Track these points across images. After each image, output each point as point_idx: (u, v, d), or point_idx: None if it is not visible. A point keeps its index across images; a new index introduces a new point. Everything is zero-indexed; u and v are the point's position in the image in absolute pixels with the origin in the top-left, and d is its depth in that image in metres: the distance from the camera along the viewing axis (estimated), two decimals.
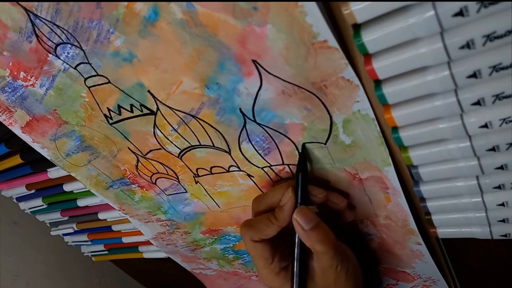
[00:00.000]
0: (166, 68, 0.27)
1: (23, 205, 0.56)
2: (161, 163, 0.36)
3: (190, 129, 0.30)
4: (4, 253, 0.61)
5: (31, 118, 0.36)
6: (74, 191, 0.48)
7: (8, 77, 0.32)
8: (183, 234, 0.45)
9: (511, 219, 0.27)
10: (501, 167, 0.24)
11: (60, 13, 0.26)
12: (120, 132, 0.34)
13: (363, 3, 0.19)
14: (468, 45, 0.19)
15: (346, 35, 0.22)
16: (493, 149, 0.23)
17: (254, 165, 0.32)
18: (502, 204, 0.26)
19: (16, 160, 0.45)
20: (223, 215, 0.40)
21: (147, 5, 0.24)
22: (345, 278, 0.29)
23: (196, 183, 0.36)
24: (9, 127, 0.37)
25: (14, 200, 0.56)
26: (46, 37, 0.28)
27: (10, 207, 0.60)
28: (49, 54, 0.29)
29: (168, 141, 0.33)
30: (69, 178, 0.45)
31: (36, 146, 0.39)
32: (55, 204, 0.54)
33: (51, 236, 0.60)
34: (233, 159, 0.32)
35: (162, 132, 0.32)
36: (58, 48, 0.28)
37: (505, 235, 0.28)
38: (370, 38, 0.20)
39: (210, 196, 0.37)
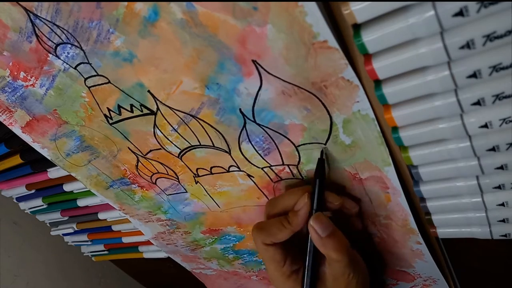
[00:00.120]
0: (166, 68, 0.27)
1: (23, 205, 0.56)
2: (161, 163, 0.36)
3: (190, 129, 0.30)
4: (4, 253, 0.61)
5: (31, 118, 0.36)
6: (74, 191, 0.48)
7: (8, 77, 0.32)
8: (183, 234, 0.45)
9: (511, 219, 0.27)
10: (501, 167, 0.24)
11: (60, 13, 0.26)
12: (120, 132, 0.34)
13: (363, 3, 0.19)
14: (468, 45, 0.19)
15: (346, 35, 0.22)
16: (493, 149, 0.23)
17: (254, 165, 0.32)
18: (502, 204, 0.26)
19: (16, 160, 0.45)
20: (223, 215, 0.40)
21: (147, 5, 0.24)
22: (355, 286, 0.29)
23: (196, 183, 0.36)
24: (9, 127, 0.37)
25: (14, 200, 0.56)
26: (46, 37, 0.28)
27: (10, 207, 0.60)
28: (49, 54, 0.29)
29: (168, 141, 0.33)
30: (69, 178, 0.45)
31: (36, 146, 0.39)
32: (55, 204, 0.54)
33: (51, 236, 0.60)
34: (233, 159, 0.32)
35: (162, 132, 0.32)
36: (58, 48, 0.28)
37: (505, 235, 0.28)
38: (370, 38, 0.20)
39: (210, 196, 0.37)
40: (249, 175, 0.33)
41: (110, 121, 0.33)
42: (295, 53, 0.22)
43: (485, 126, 0.22)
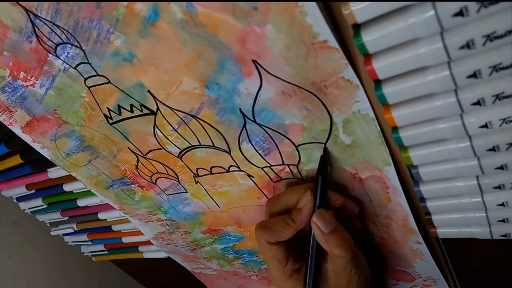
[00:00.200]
0: (166, 68, 0.27)
1: (23, 205, 0.56)
2: (161, 163, 0.36)
3: (190, 129, 0.30)
4: (4, 253, 0.61)
5: (31, 118, 0.36)
6: (74, 191, 0.48)
7: (8, 77, 0.32)
8: (183, 234, 0.45)
9: (511, 219, 0.27)
10: (501, 167, 0.24)
11: (60, 13, 0.26)
12: (120, 132, 0.34)
13: (363, 3, 0.19)
14: (468, 45, 0.19)
15: (346, 35, 0.22)
16: (493, 149, 0.23)
17: (254, 165, 0.32)
18: (502, 204, 0.26)
19: (16, 160, 0.45)
20: (223, 215, 0.40)
21: (147, 5, 0.24)
22: (357, 282, 0.29)
23: (196, 183, 0.36)
24: (9, 127, 0.37)
25: (14, 200, 0.56)
26: (46, 37, 0.28)
27: (10, 207, 0.60)
28: (49, 54, 0.29)
29: (168, 141, 0.33)
30: (69, 178, 0.45)
31: (36, 146, 0.39)
32: (55, 204, 0.54)
33: (51, 236, 0.60)
34: (233, 159, 0.32)
35: (162, 132, 0.32)
36: (58, 48, 0.28)
37: (505, 235, 0.28)
38: (370, 38, 0.20)
39: (210, 196, 0.37)
40: (249, 175, 0.33)
41: (110, 121, 0.33)
42: (295, 53, 0.22)
43: (485, 126, 0.22)
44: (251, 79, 0.25)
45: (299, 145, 0.28)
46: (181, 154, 0.33)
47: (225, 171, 0.34)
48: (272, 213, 0.30)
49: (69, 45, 0.28)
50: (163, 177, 0.37)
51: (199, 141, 0.31)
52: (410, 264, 0.35)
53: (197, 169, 0.35)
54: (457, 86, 0.21)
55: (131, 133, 0.33)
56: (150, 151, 0.34)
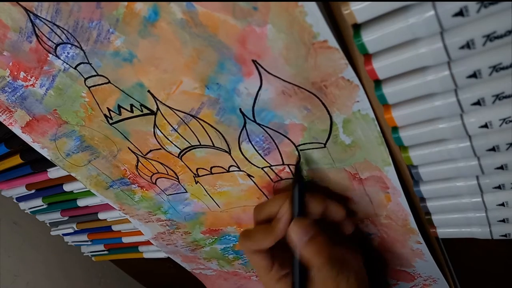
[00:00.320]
0: (166, 68, 0.27)
1: (23, 205, 0.56)
2: (161, 163, 0.36)
3: (190, 129, 0.30)
4: (4, 253, 0.61)
5: (31, 118, 0.36)
6: (74, 191, 0.48)
7: (8, 77, 0.32)
8: (183, 234, 0.45)
9: (511, 219, 0.27)
10: (501, 167, 0.24)
11: (60, 13, 0.26)
12: (120, 132, 0.34)
13: (363, 3, 0.19)
14: (468, 45, 0.19)
15: (346, 35, 0.22)
16: (493, 149, 0.23)
17: (254, 165, 0.32)
18: (502, 204, 0.26)
19: (16, 160, 0.45)
20: (223, 215, 0.40)
21: (147, 5, 0.24)
22: (346, 285, 0.29)
23: (196, 183, 0.36)
24: (9, 127, 0.37)
25: (14, 200, 0.56)
26: (46, 37, 0.28)
27: (10, 207, 0.60)
28: (49, 54, 0.29)
29: (168, 141, 0.33)
30: (69, 178, 0.45)
31: (36, 146, 0.39)
32: (55, 204, 0.54)
33: (51, 236, 0.60)
34: (233, 159, 0.32)
35: (162, 132, 0.32)
36: (58, 48, 0.28)
37: (505, 235, 0.28)
38: (370, 38, 0.20)
39: (210, 196, 0.37)
40: (249, 175, 0.33)
41: (110, 121, 0.33)
42: (295, 53, 0.22)
43: (485, 126, 0.22)
44: (251, 79, 0.25)
45: (299, 145, 0.28)
46: (181, 154, 0.33)
47: (225, 171, 0.34)
48: (258, 221, 0.31)
49: (69, 45, 0.28)
50: (163, 177, 0.37)
51: (199, 141, 0.31)
52: (410, 264, 0.36)
53: (197, 169, 0.35)
54: (457, 86, 0.21)
55: (131, 133, 0.33)
56: (150, 151, 0.34)
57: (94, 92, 0.31)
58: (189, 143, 0.32)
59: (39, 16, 0.27)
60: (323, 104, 0.25)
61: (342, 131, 0.26)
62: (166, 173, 0.37)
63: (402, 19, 0.19)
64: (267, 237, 0.29)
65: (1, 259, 0.61)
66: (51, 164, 0.43)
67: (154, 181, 0.38)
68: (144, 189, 0.40)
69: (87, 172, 0.40)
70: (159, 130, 0.32)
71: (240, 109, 0.27)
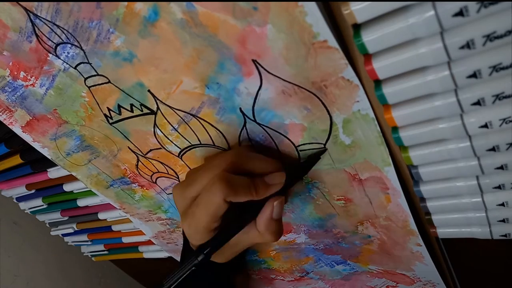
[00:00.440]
0: (166, 68, 0.27)
1: (23, 205, 0.56)
2: (161, 163, 0.36)
3: (191, 128, 0.30)
4: (4, 253, 0.61)
5: (31, 118, 0.36)
6: (74, 191, 0.48)
7: (8, 76, 0.32)
8: None
9: (511, 219, 0.27)
10: (501, 167, 0.24)
11: (60, 13, 0.26)
12: (120, 132, 0.34)
13: (363, 3, 0.19)
14: (468, 45, 0.19)
15: (346, 35, 0.22)
16: (493, 149, 0.23)
17: None
18: (502, 204, 0.26)
19: (16, 160, 0.45)
20: None
21: (147, 5, 0.24)
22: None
23: None
24: (10, 126, 0.37)
25: (14, 200, 0.57)
26: (46, 37, 0.28)
27: (10, 207, 0.60)
28: (49, 54, 0.29)
29: (168, 141, 0.33)
30: (69, 178, 0.45)
31: (36, 146, 0.39)
32: (55, 204, 0.54)
33: (51, 236, 0.60)
34: None
35: (162, 132, 0.32)
36: (58, 48, 0.28)
37: (505, 235, 0.28)
38: (370, 38, 0.20)
39: None
40: None
41: (110, 121, 0.33)
42: (295, 53, 0.22)
43: (485, 126, 0.22)
44: (251, 78, 0.25)
45: (299, 145, 0.28)
46: (181, 153, 0.33)
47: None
48: (236, 168, 0.28)
49: (69, 45, 0.28)
50: (163, 177, 0.37)
51: (199, 140, 0.31)
52: (409, 267, 0.35)
53: None
54: (457, 86, 0.21)
55: (131, 133, 0.33)
56: (150, 150, 0.34)
57: (94, 92, 0.31)
58: (189, 142, 0.32)
59: (39, 16, 0.27)
60: (323, 104, 0.25)
61: (342, 131, 0.26)
62: (167, 172, 0.37)
63: (402, 19, 0.19)
64: (247, 195, 0.27)
65: (1, 259, 0.61)
66: (51, 164, 0.43)
67: (154, 180, 0.38)
68: (145, 188, 0.40)
69: (88, 171, 0.40)
70: (159, 129, 0.32)
71: (240, 109, 0.27)
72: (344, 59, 0.22)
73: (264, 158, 0.29)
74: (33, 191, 0.53)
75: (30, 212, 0.57)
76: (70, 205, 0.52)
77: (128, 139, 0.34)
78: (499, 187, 0.25)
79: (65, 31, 0.27)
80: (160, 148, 0.34)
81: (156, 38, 0.25)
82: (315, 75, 0.23)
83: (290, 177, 0.28)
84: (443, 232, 0.31)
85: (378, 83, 0.23)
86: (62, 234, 0.60)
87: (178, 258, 0.52)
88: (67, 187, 0.47)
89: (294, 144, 0.29)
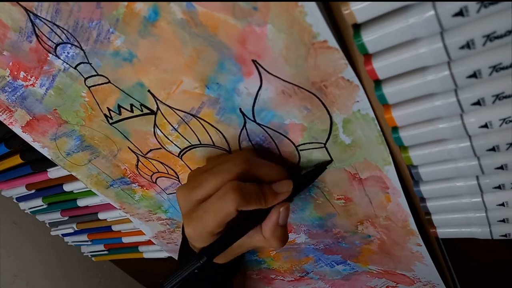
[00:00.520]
0: (166, 68, 0.27)
1: (23, 205, 0.56)
2: (161, 163, 0.36)
3: (191, 128, 0.30)
4: (4, 253, 0.61)
5: (31, 118, 0.36)
6: (74, 191, 0.48)
7: (8, 77, 0.32)
8: None
9: (511, 219, 0.27)
10: (501, 167, 0.24)
11: (60, 13, 0.26)
12: (120, 132, 0.34)
13: (363, 3, 0.19)
14: (468, 45, 0.19)
15: (346, 35, 0.22)
16: (493, 149, 0.23)
17: None
18: (502, 204, 0.26)
19: (16, 160, 0.45)
20: None
21: (147, 5, 0.24)
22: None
23: None
24: (10, 126, 0.37)
25: (14, 200, 0.57)
26: (46, 37, 0.28)
27: (10, 207, 0.60)
28: (49, 54, 0.29)
29: (168, 141, 0.33)
30: (69, 178, 0.45)
31: (36, 146, 0.39)
32: (55, 204, 0.54)
33: (51, 236, 0.60)
34: None
35: (162, 132, 0.32)
36: (58, 48, 0.28)
37: (505, 235, 0.28)
38: (370, 38, 0.20)
39: None
40: None
41: (110, 121, 0.33)
42: (295, 53, 0.22)
43: (485, 126, 0.22)
44: (251, 78, 0.25)
45: (299, 145, 0.28)
46: (182, 153, 0.33)
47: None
48: (245, 175, 0.27)
49: (69, 45, 0.28)
50: (163, 177, 0.37)
51: (199, 140, 0.31)
52: (409, 267, 0.35)
53: None
54: (457, 86, 0.21)
55: (131, 133, 0.33)
56: (150, 150, 0.34)
57: (94, 92, 0.31)
58: (189, 142, 0.32)
59: (39, 16, 0.27)
60: (323, 104, 0.25)
61: (342, 131, 0.26)
62: (167, 172, 0.37)
63: (402, 19, 0.19)
64: (257, 204, 0.27)
65: (1, 259, 0.61)
66: (51, 164, 0.43)
67: (154, 180, 0.38)
68: (145, 188, 0.40)
69: (88, 171, 0.40)
70: (159, 129, 0.32)
71: (240, 109, 0.27)
72: (344, 59, 0.22)
73: (272, 165, 0.29)
74: (33, 191, 0.53)
75: (30, 212, 0.57)
76: (70, 205, 0.52)
77: (128, 139, 0.34)
78: (499, 187, 0.25)
79: (65, 31, 0.27)
80: (160, 148, 0.34)
81: (156, 38, 0.25)
82: (315, 75, 0.23)
83: (297, 185, 0.29)
84: (443, 232, 0.31)
85: (378, 83, 0.23)
86: (62, 234, 0.60)
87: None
88: (67, 187, 0.47)
89: (294, 144, 0.29)
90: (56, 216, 0.56)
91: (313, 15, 0.20)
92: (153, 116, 0.31)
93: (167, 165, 0.36)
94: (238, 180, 0.27)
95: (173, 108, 0.29)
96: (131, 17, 0.25)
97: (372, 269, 0.39)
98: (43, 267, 0.66)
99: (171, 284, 0.27)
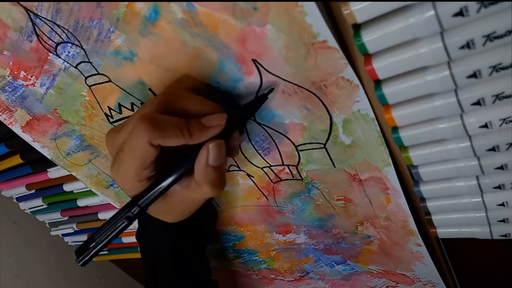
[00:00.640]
0: (167, 67, 0.27)
1: (23, 205, 0.56)
2: None
3: None
4: (4, 253, 0.61)
5: (31, 118, 0.36)
6: (74, 191, 0.48)
7: (9, 76, 0.32)
8: None
9: (511, 219, 0.27)
10: (501, 167, 0.24)
11: (61, 12, 0.26)
12: None
13: (363, 3, 0.19)
14: (468, 45, 0.19)
15: (346, 35, 0.22)
16: (493, 149, 0.23)
17: (254, 165, 0.32)
18: (502, 204, 0.26)
19: (16, 160, 0.45)
20: (223, 215, 0.40)
21: (148, 4, 0.24)
22: (192, 211, 0.28)
23: None
24: (10, 126, 0.37)
25: (14, 200, 0.57)
26: (46, 36, 0.28)
27: (10, 207, 0.60)
28: (49, 53, 0.29)
29: None
30: (69, 178, 0.45)
31: (36, 145, 0.39)
32: (55, 204, 0.54)
33: (51, 236, 0.60)
34: (233, 158, 0.32)
35: None
36: (59, 47, 0.28)
37: (505, 235, 0.28)
38: (370, 38, 0.20)
39: None
40: (249, 175, 0.33)
41: (111, 120, 0.33)
42: (295, 53, 0.22)
43: (485, 126, 0.22)
44: (251, 78, 0.25)
45: (299, 145, 0.28)
46: None
47: (225, 170, 0.34)
48: (167, 108, 0.24)
49: (70, 44, 0.28)
50: None
51: None
52: (409, 267, 0.35)
53: None
54: (457, 86, 0.21)
55: None
56: None
57: (94, 91, 0.31)
58: None
59: (40, 16, 0.27)
60: (323, 103, 0.25)
61: (342, 131, 0.26)
62: None
63: (402, 19, 0.19)
64: (179, 138, 0.23)
65: (1, 259, 0.61)
66: (51, 164, 0.43)
67: None
68: None
69: (88, 171, 0.40)
70: None
71: None
72: (344, 59, 0.22)
73: (202, 99, 0.25)
74: (33, 191, 0.53)
75: (30, 212, 0.57)
76: (70, 205, 0.52)
77: None
78: (499, 187, 0.25)
79: (65, 31, 0.27)
80: None
81: (156, 37, 0.25)
82: (315, 75, 0.23)
83: (233, 119, 0.25)
84: (443, 232, 0.31)
85: (378, 83, 0.23)
86: (62, 234, 0.60)
87: None
88: (67, 187, 0.47)
89: (294, 144, 0.29)
90: (56, 216, 0.56)
91: (313, 15, 0.20)
92: None
93: None
94: (156, 112, 0.24)
95: None
96: (132, 17, 0.25)
97: (372, 269, 0.39)
98: (43, 267, 0.66)
99: (101, 238, 0.25)
